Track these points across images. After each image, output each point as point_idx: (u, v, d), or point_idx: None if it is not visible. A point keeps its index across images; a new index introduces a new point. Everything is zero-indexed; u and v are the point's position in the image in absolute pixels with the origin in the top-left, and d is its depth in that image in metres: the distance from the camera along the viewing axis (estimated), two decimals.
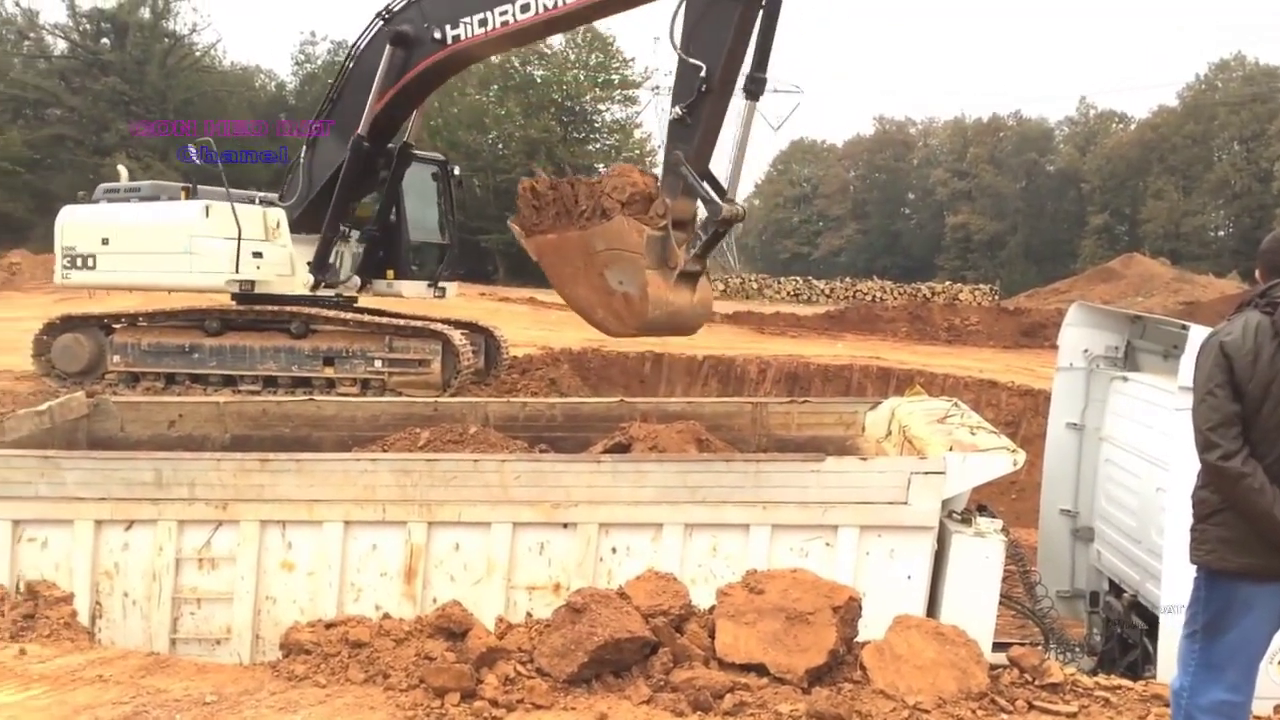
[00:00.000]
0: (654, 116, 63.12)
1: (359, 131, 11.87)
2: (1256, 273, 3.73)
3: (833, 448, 7.34)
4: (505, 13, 9.89)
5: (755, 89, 8.53)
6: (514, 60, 54.58)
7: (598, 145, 54.93)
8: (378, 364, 12.94)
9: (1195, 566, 3.65)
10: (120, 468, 5.96)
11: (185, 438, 8.09)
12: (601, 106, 56.11)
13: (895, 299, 44.69)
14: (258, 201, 13.42)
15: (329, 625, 3.94)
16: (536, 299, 35.26)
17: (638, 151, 56.28)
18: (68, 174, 46.59)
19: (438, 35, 10.52)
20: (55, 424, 7.67)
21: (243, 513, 5.85)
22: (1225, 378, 3.44)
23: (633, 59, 57.10)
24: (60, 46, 52.18)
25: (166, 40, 51.25)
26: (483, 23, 10.02)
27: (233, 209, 12.70)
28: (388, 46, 11.19)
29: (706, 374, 19.66)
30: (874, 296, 46.58)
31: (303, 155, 12.98)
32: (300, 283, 13.05)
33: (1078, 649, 7.08)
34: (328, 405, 8.53)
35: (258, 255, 12.89)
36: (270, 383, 13.08)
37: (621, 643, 3.50)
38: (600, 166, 54.62)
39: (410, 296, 14.22)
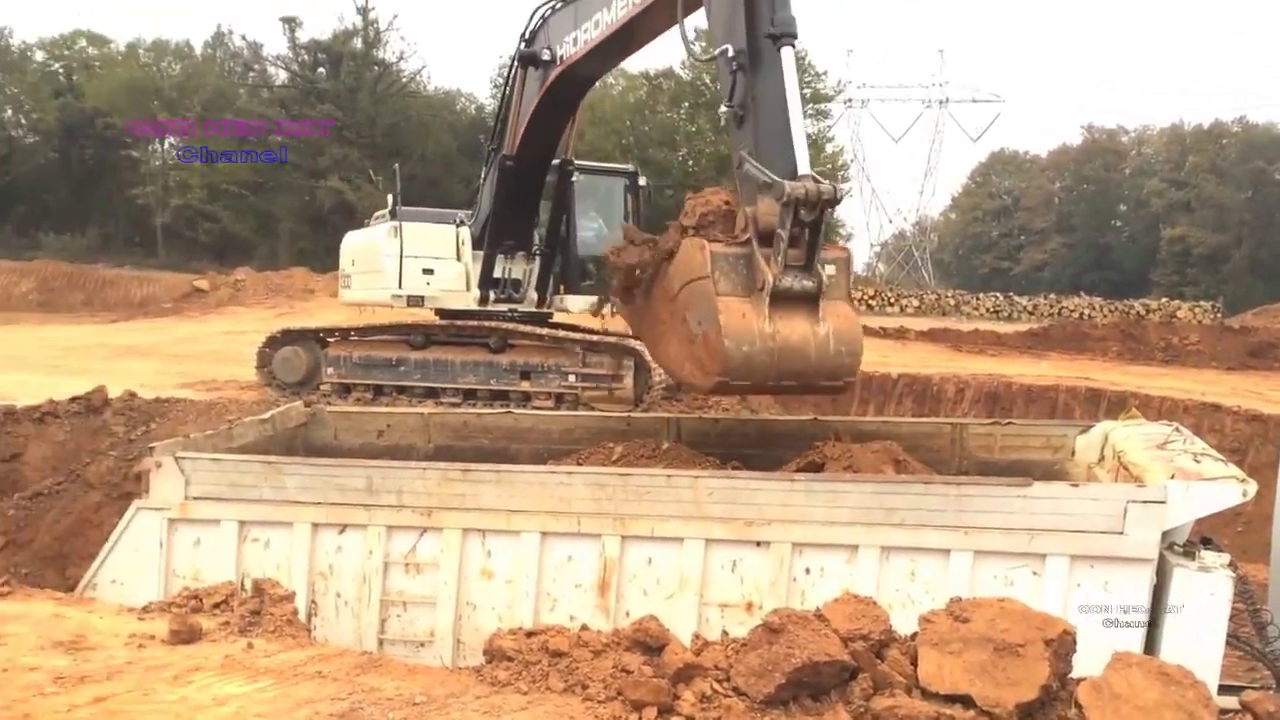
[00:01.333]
0: (846, 130, 62.41)
1: (505, 152, 12.21)
2: None
3: (1039, 472, 7.03)
4: (587, 30, 9.76)
5: (779, 29, 7.38)
6: (705, 78, 54.96)
7: None
8: (571, 378, 13.23)
9: None
10: (336, 474, 6.31)
11: (393, 447, 8.49)
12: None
13: (1105, 316, 42.42)
14: (457, 221, 14.00)
15: (530, 634, 4.03)
16: None
17: (829, 166, 55.65)
18: (285, 196, 50.07)
19: (546, 56, 10.65)
20: (276, 431, 8.20)
21: (446, 520, 6.08)
22: None
23: (825, 72, 56.55)
24: (281, 77, 56.07)
25: (376, 68, 54.23)
26: (598, 24, 9.64)
27: (399, 228, 13.62)
28: (520, 68, 11.49)
29: (901, 392, 19.18)
30: (1081, 313, 44.37)
31: (483, 175, 13.46)
32: (471, 298, 13.55)
33: None
34: (524, 418, 8.77)
35: (429, 271, 13.58)
36: (470, 395, 13.57)
37: (820, 666, 3.42)
38: None
39: (577, 311, 14.19)
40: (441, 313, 13.98)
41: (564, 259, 13.97)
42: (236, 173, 48.90)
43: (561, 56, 10.34)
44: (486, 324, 13.66)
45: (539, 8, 10.95)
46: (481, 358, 13.62)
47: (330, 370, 14.24)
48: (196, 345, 22.08)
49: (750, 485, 5.84)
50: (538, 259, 13.82)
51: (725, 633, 4.29)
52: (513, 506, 6.02)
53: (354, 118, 51.15)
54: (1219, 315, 44.47)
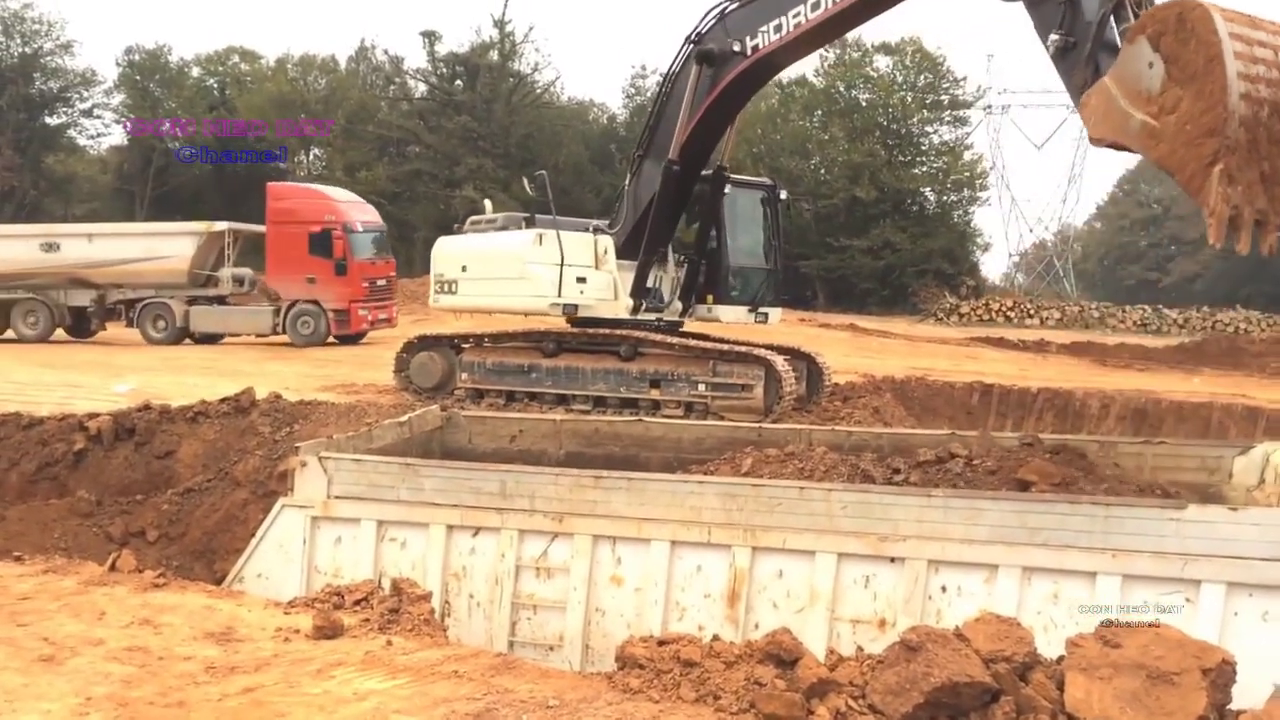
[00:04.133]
0: (985, 136, 60.81)
1: (670, 156, 12.33)
2: None
3: (1194, 494, 6.70)
4: (798, 14, 10.27)
5: None
6: (839, 85, 54.35)
7: (924, 168, 53.47)
8: (701, 387, 13.21)
9: None
10: (471, 477, 6.45)
11: (525, 452, 8.63)
12: (929, 128, 54.60)
13: (1262, 331, 40.19)
14: (591, 229, 14.14)
15: (661, 642, 4.03)
16: (857, 325, 34.83)
17: (967, 174, 54.30)
18: (423, 205, 51.53)
19: (737, 48, 11.01)
20: (413, 434, 8.43)
21: (577, 526, 6.14)
22: None
23: (964, 78, 55.17)
24: (420, 89, 57.78)
25: (511, 80, 55.40)
26: (778, 28, 10.51)
27: (558, 236, 13.51)
28: (694, 66, 11.69)
29: (1041, 407, 18.51)
30: (1236, 327, 42.11)
31: (627, 183, 13.56)
32: (623, 307, 13.62)
33: None
34: (655, 426, 8.80)
35: (581, 280, 13.60)
36: (600, 403, 13.69)
37: (960, 686, 3.32)
38: (927, 190, 53.19)
39: (729, 321, 14.42)
40: (575, 320, 14.14)
41: (713, 268, 14.09)
42: (375, 182, 50.59)
43: (756, 47, 10.71)
44: (618, 331, 13.77)
45: (714, 7, 11.52)
46: (612, 365, 13.72)
47: (464, 375, 14.55)
48: (337, 350, 22.91)
49: (884, 500, 5.73)
50: (684, 267, 13.95)
51: (860, 649, 4.20)
52: (643, 514, 6.04)
53: (489, 128, 52.35)
54: None
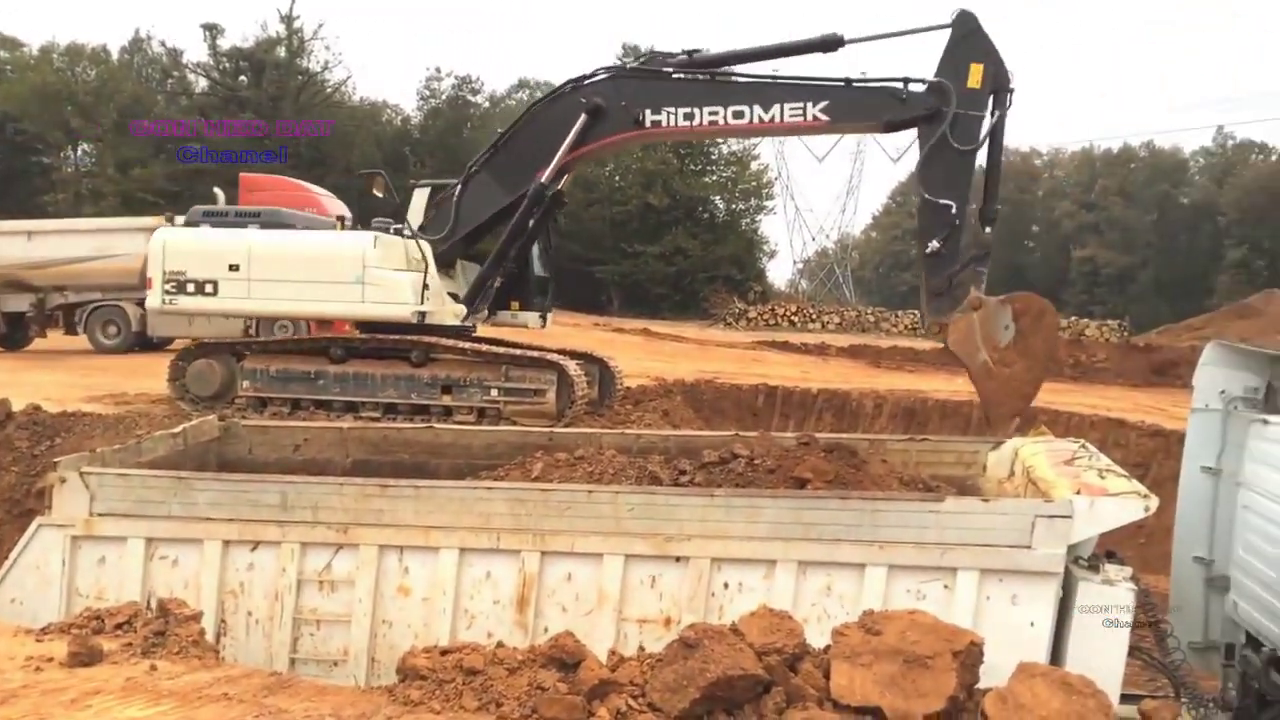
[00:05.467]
0: (771, 148, 63.16)
1: (543, 180, 12.34)
2: None
3: (953, 487, 7.17)
4: (715, 115, 10.41)
5: (990, 215, 9.96)
6: None
7: (714, 177, 55.11)
8: (494, 393, 13.13)
9: None
10: (249, 490, 6.18)
11: (309, 461, 8.35)
12: (719, 139, 56.27)
13: None
14: (392, 231, 13.78)
15: (444, 652, 3.99)
16: (650, 330, 35.47)
17: (754, 184, 56.31)
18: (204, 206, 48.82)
19: (637, 117, 11.06)
20: (188, 446, 8.01)
21: (362, 537, 6.00)
22: None
23: None
24: (201, 84, 54.90)
25: (300, 77, 53.45)
26: (689, 116, 10.65)
27: (418, 244, 13.01)
28: (582, 115, 11.69)
29: (821, 408, 19.40)
30: None
31: (456, 193, 13.30)
32: (452, 314, 13.41)
33: (1211, 704, 6.70)
34: (445, 433, 8.69)
35: (426, 286, 13.21)
36: (390, 409, 13.39)
37: (734, 680, 3.45)
38: (716, 198, 54.79)
39: (533, 327, 14.59)
40: (363, 326, 13.74)
41: (522, 278, 14.12)
42: (152, 181, 47.65)
43: (658, 123, 10.82)
44: (408, 337, 13.51)
45: (609, 68, 11.78)
46: (403, 371, 13.45)
47: (246, 384, 13.90)
48: (105, 357, 21.45)
49: (670, 501, 5.86)
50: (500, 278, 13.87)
51: (642, 648, 4.30)
52: (431, 522, 5.96)
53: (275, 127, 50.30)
54: (1125, 334, 45.88)
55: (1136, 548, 10.95)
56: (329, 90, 55.38)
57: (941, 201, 8.99)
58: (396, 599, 5.98)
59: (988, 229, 9.79)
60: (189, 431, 8.14)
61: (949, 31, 9.35)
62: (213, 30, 52.83)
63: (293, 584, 6.02)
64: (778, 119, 9.78)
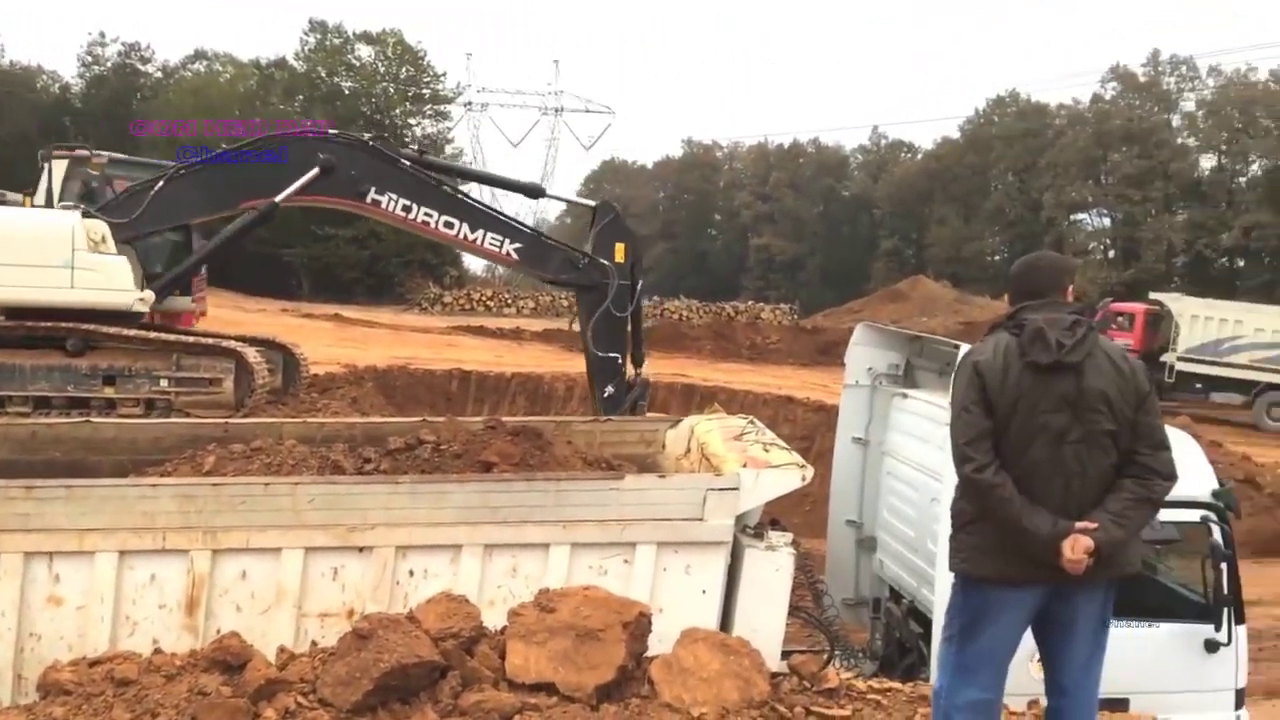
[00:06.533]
0: (467, 132, 62.80)
1: (276, 200, 11.61)
2: (1007, 297, 4.05)
3: (635, 465, 7.46)
4: (429, 216, 10.83)
5: (640, 358, 10.87)
6: (320, 71, 53.06)
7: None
8: (164, 383, 12.25)
9: (953, 574, 3.90)
10: None
11: None
12: (412, 121, 55.19)
13: (701, 318, 45.78)
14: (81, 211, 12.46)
15: (93, 663, 3.70)
16: (342, 315, 34.30)
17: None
18: None
19: (362, 189, 11.08)
20: None
21: (4, 544, 5.43)
22: (978, 395, 3.70)
23: (444, 74, 56.45)
24: None
25: None
26: (407, 209, 10.86)
27: (98, 224, 11.80)
28: (317, 168, 11.32)
29: (515, 391, 19.60)
30: (680, 315, 47.55)
31: (155, 187, 12.18)
32: (137, 298, 12.34)
33: (861, 654, 7.43)
34: (105, 427, 8.01)
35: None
36: (43, 403, 12.18)
37: (409, 668, 3.44)
38: None
39: (181, 310, 13.99)
40: (26, 313, 12.35)
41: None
42: None
43: (377, 203, 10.96)
44: (63, 324, 12.32)
45: (355, 136, 12.05)
46: (57, 361, 12.26)
47: None
48: None
49: (353, 490, 5.72)
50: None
51: (314, 643, 4.18)
52: (87, 525, 5.48)
53: None
54: (795, 317, 49.46)
55: (803, 514, 11.83)
56: None
57: (609, 355, 10.27)
58: (46, 610, 5.45)
59: (640, 369, 11.11)
60: None
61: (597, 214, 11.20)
62: None
63: None
64: (479, 242, 10.72)
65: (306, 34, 54.05)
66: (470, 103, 69.73)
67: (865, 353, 8.25)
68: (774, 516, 6.37)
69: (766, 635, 5.51)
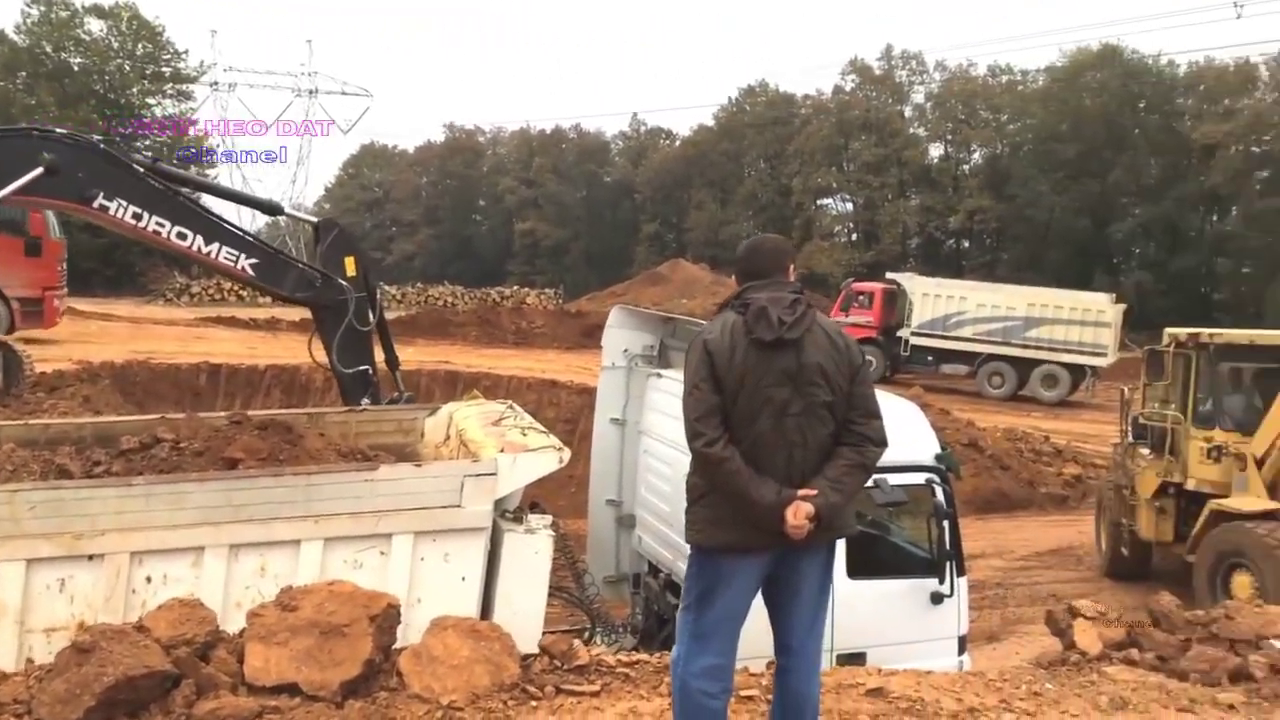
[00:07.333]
0: (213, 113, 59.41)
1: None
2: (734, 278, 4.24)
3: (393, 455, 7.31)
4: (161, 225, 10.19)
5: (394, 364, 10.66)
6: (45, 45, 48.78)
7: (148, 141, 50.44)
8: None
9: (689, 546, 4.07)
10: None
11: None
12: (151, 100, 51.60)
13: (466, 304, 45.35)
14: None
15: None
16: (75, 308, 31.79)
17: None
18: None
19: (89, 194, 10.21)
20: None
21: None
22: (708, 372, 3.87)
23: (186, 51, 53.10)
24: None
25: None
26: (137, 216, 10.11)
27: None
28: (40, 167, 10.34)
29: (269, 384, 18.80)
30: (445, 301, 46.92)
31: None
32: None
33: (622, 628, 7.62)
34: None
35: None
36: None
37: (136, 680, 3.25)
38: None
39: None
40: None
41: None
42: None
43: (105, 209, 10.20)
44: None
45: (82, 137, 10.86)
46: None
47: None
48: None
49: (79, 495, 5.33)
50: None
51: (30, 661, 3.88)
52: None
53: None
54: (560, 301, 49.81)
55: (569, 497, 12.01)
56: None
57: (359, 369, 10.17)
58: None
59: (397, 372, 11.03)
60: None
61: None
62: None
63: None
64: (213, 255, 10.24)
65: (29, 5, 49.69)
66: (216, 82, 66.02)
67: (621, 335, 8.42)
68: (535, 500, 6.42)
69: (527, 617, 5.55)
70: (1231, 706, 4.92)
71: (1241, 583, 11.10)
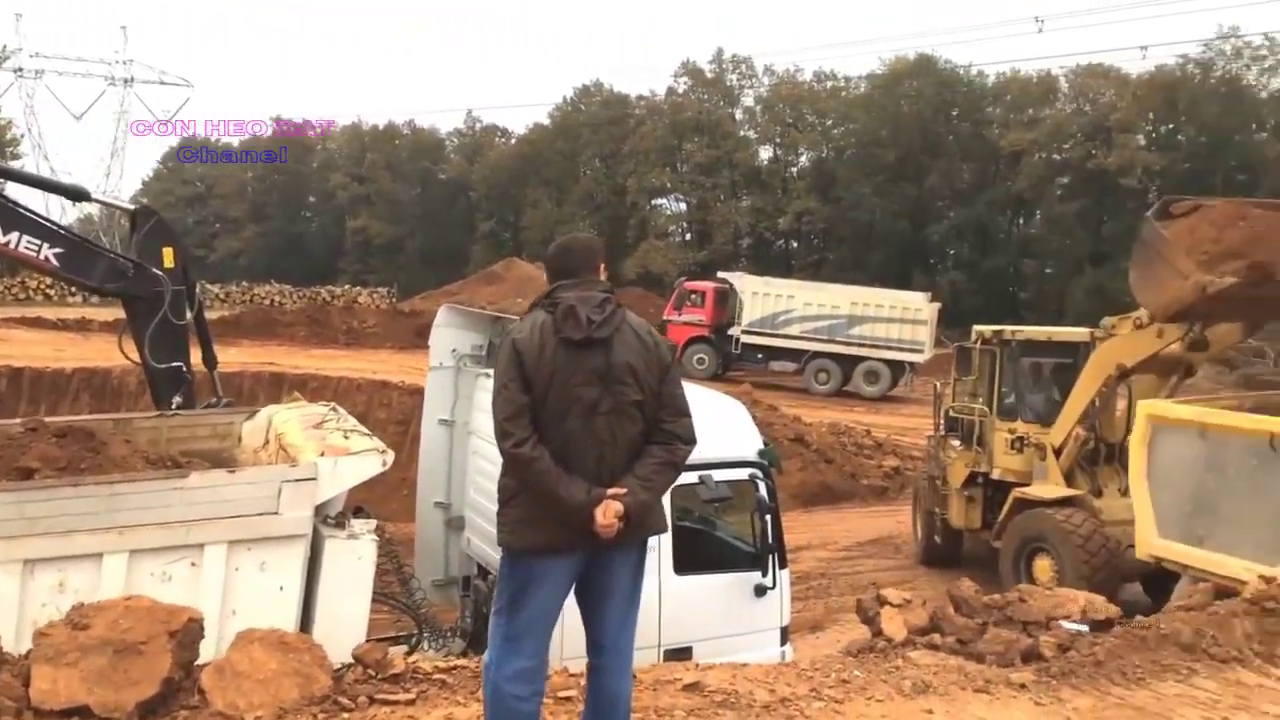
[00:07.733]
0: (18, 101, 55.73)
1: None
2: (545, 277, 4.25)
3: (208, 462, 7.03)
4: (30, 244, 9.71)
5: (212, 361, 10.41)
6: None
7: None
8: None
9: (501, 549, 4.06)
10: None
11: None
12: None
13: (294, 303, 43.94)
14: None
15: None
16: None
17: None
18: None
19: None
20: None
21: None
22: (517, 372, 3.87)
23: None
24: None
25: None
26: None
27: None
28: None
29: (78, 388, 17.76)
30: (272, 300, 45.33)
31: None
32: None
33: (451, 633, 7.54)
34: None
35: None
36: None
37: None
38: None
39: None
40: None
41: None
42: None
43: None
44: None
45: None
46: None
47: None
48: None
49: None
50: None
51: None
52: None
53: None
54: (393, 300, 48.81)
55: (400, 499, 11.77)
56: None
57: (172, 365, 9.80)
58: None
59: (215, 372, 10.67)
60: None
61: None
62: None
63: None
64: (13, 245, 9.61)
65: None
66: (21, 69, 62.01)
67: (449, 334, 8.34)
68: (360, 504, 6.29)
69: (350, 625, 5.44)
70: (1023, 686, 5.23)
71: (1043, 566, 11.85)
